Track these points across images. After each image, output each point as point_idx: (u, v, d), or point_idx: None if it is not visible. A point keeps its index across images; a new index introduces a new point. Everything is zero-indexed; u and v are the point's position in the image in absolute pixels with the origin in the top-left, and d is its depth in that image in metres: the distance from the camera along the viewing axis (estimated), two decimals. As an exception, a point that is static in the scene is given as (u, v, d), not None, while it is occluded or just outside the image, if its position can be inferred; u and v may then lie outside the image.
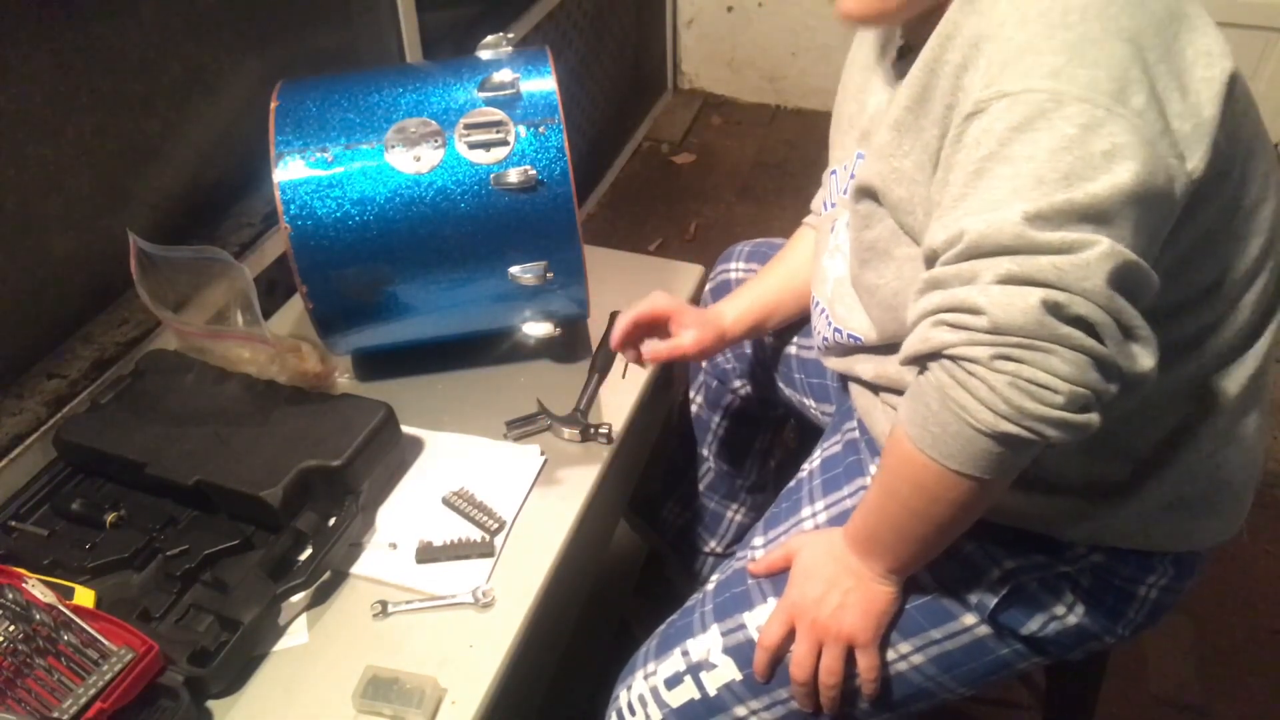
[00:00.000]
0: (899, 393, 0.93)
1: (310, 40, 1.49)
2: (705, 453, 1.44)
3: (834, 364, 1.05)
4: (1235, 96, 0.72)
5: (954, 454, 0.71)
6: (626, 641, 1.54)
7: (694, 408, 1.43)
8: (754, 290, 1.19)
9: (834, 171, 1.06)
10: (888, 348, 0.93)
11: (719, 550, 1.49)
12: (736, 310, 1.17)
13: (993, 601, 0.89)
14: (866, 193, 0.88)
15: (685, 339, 1.11)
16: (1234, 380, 0.83)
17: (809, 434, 1.29)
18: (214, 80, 1.31)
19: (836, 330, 1.00)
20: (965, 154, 0.70)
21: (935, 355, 0.70)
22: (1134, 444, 0.84)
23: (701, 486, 1.46)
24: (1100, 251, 0.64)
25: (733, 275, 1.33)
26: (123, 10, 1.15)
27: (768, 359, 1.30)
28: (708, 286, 1.37)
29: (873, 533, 0.87)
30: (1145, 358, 0.67)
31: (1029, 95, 0.66)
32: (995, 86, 0.68)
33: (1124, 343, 0.66)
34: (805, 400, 1.27)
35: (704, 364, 1.39)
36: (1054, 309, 0.64)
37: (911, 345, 0.72)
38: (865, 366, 0.98)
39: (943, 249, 0.70)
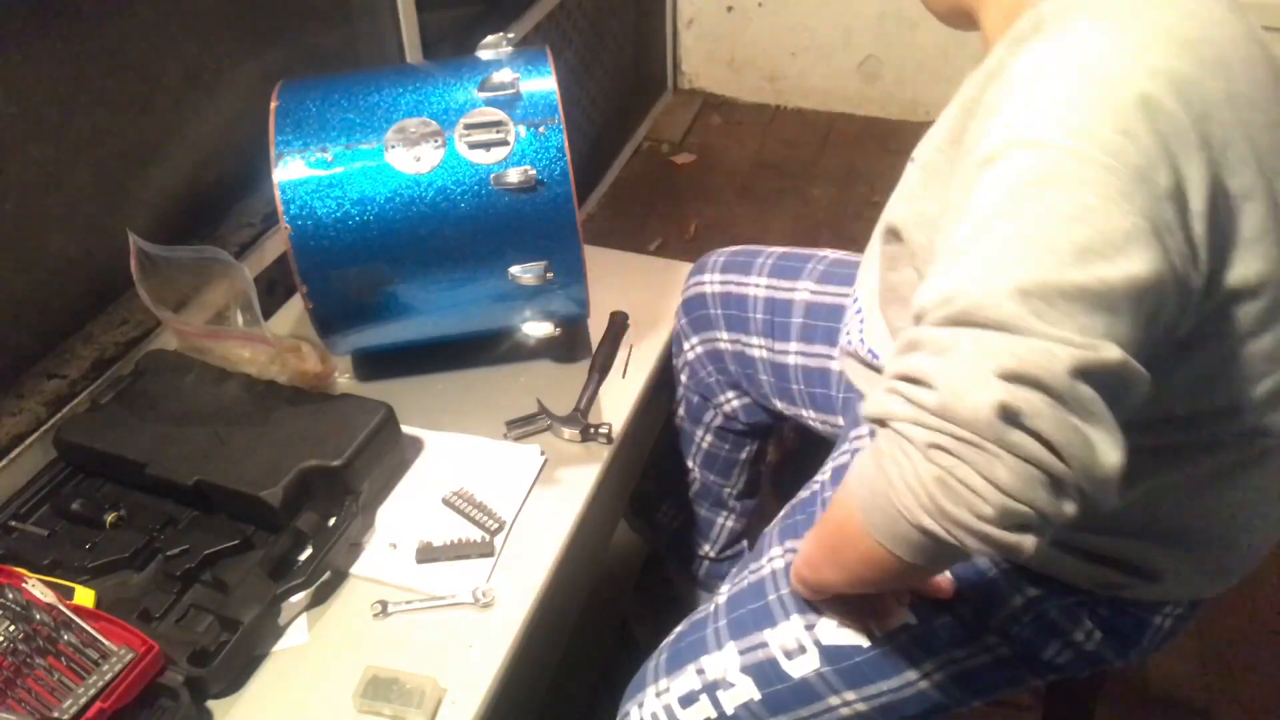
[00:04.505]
0: None
1: (310, 40, 1.49)
2: (691, 464, 1.43)
3: (851, 371, 1.03)
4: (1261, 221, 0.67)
5: (878, 525, 0.66)
6: (626, 641, 1.54)
7: (676, 419, 1.41)
8: None
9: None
10: None
11: (712, 555, 1.48)
12: None
13: (1015, 627, 0.88)
14: (893, 234, 0.83)
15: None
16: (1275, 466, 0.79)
17: (810, 434, 1.28)
18: (214, 80, 1.31)
19: (862, 340, 0.98)
20: (974, 206, 0.64)
21: (884, 422, 0.64)
22: (1184, 525, 0.82)
23: (690, 494, 1.45)
24: (1097, 355, 0.57)
25: (708, 289, 1.28)
26: (123, 10, 1.15)
27: (756, 373, 1.27)
28: (681, 300, 1.32)
29: (816, 564, 0.85)
30: (1107, 450, 0.59)
31: (1051, 150, 0.61)
32: (1017, 133, 0.63)
33: (1089, 456, 0.58)
34: (804, 411, 1.25)
35: (684, 378, 1.35)
36: (1010, 415, 0.56)
37: (870, 404, 0.67)
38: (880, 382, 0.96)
39: (931, 309, 0.63)
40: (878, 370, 0.96)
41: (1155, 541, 0.82)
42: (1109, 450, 0.59)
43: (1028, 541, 0.59)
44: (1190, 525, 0.82)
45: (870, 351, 0.96)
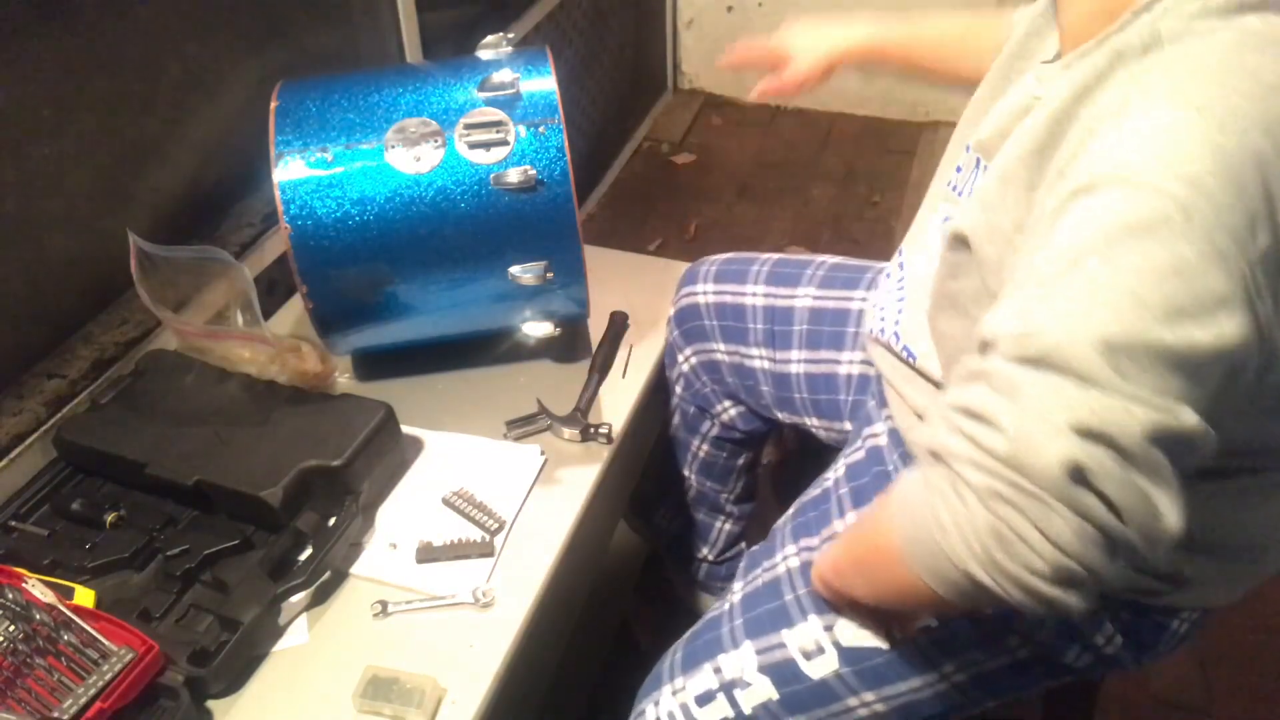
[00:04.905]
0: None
1: (310, 40, 1.49)
2: (687, 472, 1.42)
3: (881, 360, 1.01)
4: None
5: (921, 560, 0.65)
6: (626, 641, 1.54)
7: (672, 429, 1.39)
8: (912, 28, 1.15)
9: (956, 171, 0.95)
10: (939, 384, 0.89)
11: (711, 558, 1.48)
12: (873, 29, 1.15)
13: (1039, 631, 0.88)
14: (961, 241, 0.78)
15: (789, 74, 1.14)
16: None
17: (810, 436, 1.28)
18: (214, 80, 1.31)
19: (896, 335, 0.97)
20: (1063, 235, 0.61)
21: (940, 457, 0.63)
22: (1220, 537, 0.81)
23: (688, 499, 1.45)
24: (1175, 421, 0.56)
25: (701, 299, 1.26)
26: (123, 10, 1.15)
27: (757, 384, 1.25)
28: (672, 311, 1.30)
29: (843, 573, 0.84)
30: (1169, 513, 0.58)
31: (1156, 195, 0.57)
32: (1119, 168, 0.60)
33: (1151, 520, 0.57)
34: (807, 420, 1.23)
35: (679, 390, 1.34)
36: (1079, 473, 0.55)
37: (926, 434, 0.65)
38: (909, 388, 0.94)
39: (1004, 341, 0.61)
40: (913, 368, 0.94)
41: (1189, 551, 0.80)
42: (1171, 514, 0.58)
43: (1073, 599, 0.59)
44: (1226, 537, 0.81)
45: (906, 350, 0.93)
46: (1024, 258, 0.66)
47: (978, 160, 0.87)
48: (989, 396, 0.60)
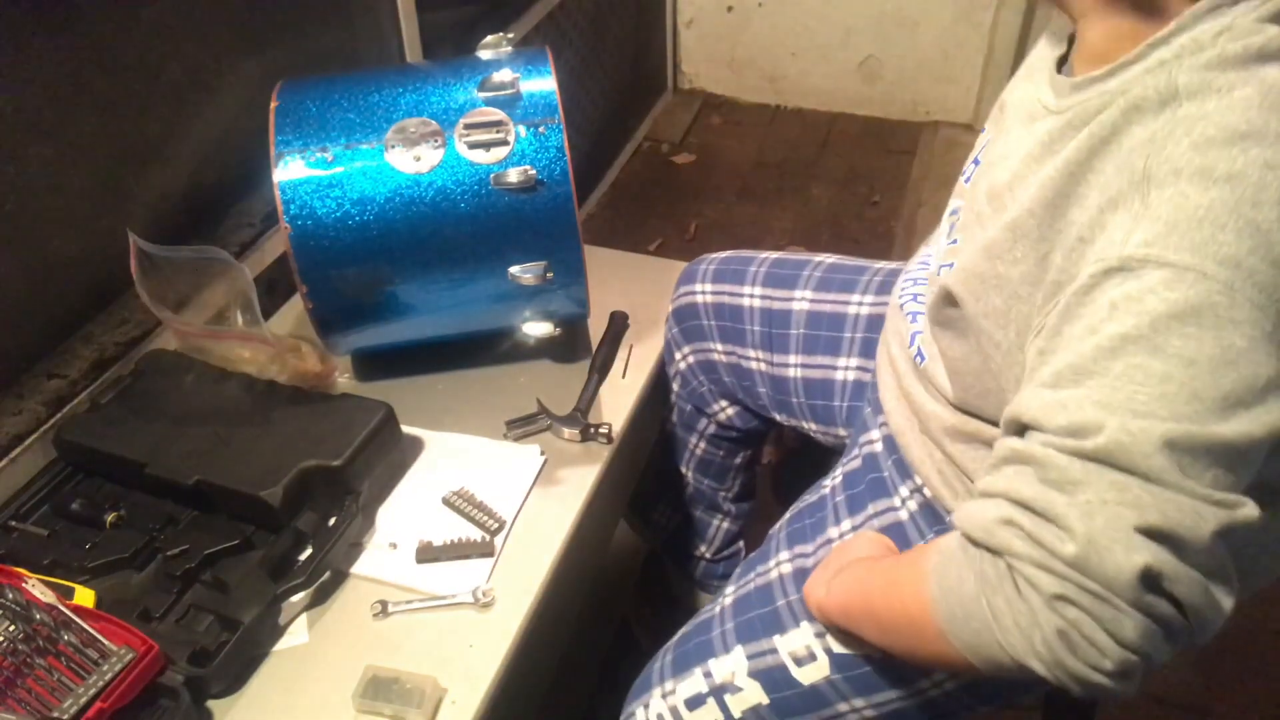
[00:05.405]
0: (934, 439, 0.90)
1: (310, 40, 1.49)
2: (685, 470, 1.42)
3: (892, 339, 0.99)
4: None
5: (965, 643, 0.64)
6: (626, 641, 1.54)
7: (669, 426, 1.39)
8: None
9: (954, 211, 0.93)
10: (947, 399, 0.88)
11: (709, 556, 1.48)
12: None
13: None
14: (948, 301, 0.78)
15: None
16: None
17: (810, 437, 1.28)
18: (214, 80, 1.31)
19: (913, 334, 0.95)
20: (1097, 315, 0.60)
21: (995, 551, 0.62)
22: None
23: (685, 497, 1.45)
24: (1241, 516, 0.56)
25: (699, 299, 1.25)
26: (123, 10, 1.15)
27: (754, 385, 1.25)
28: (671, 308, 1.30)
29: (853, 616, 0.84)
30: (1226, 603, 0.58)
31: (1199, 279, 0.56)
32: (1156, 249, 0.58)
33: (1211, 613, 0.58)
34: (804, 424, 1.23)
35: (676, 387, 1.33)
36: (1153, 580, 0.55)
37: (973, 521, 0.63)
38: (918, 387, 0.93)
39: (1057, 430, 0.59)
40: (922, 374, 0.93)
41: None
42: (1226, 601, 0.59)
43: (1129, 686, 0.59)
44: (1243, 549, 0.81)
45: (919, 352, 0.92)
46: (1047, 335, 0.65)
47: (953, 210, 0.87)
48: (1045, 491, 0.59)
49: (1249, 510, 0.57)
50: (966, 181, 0.92)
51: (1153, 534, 0.56)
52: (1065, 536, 0.57)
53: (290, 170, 1.04)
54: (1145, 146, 0.62)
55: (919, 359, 0.93)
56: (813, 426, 1.23)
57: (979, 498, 0.66)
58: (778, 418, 1.27)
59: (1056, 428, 0.60)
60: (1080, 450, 0.58)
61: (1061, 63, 0.82)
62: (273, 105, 1.08)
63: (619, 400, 1.19)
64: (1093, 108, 0.69)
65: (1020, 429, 0.64)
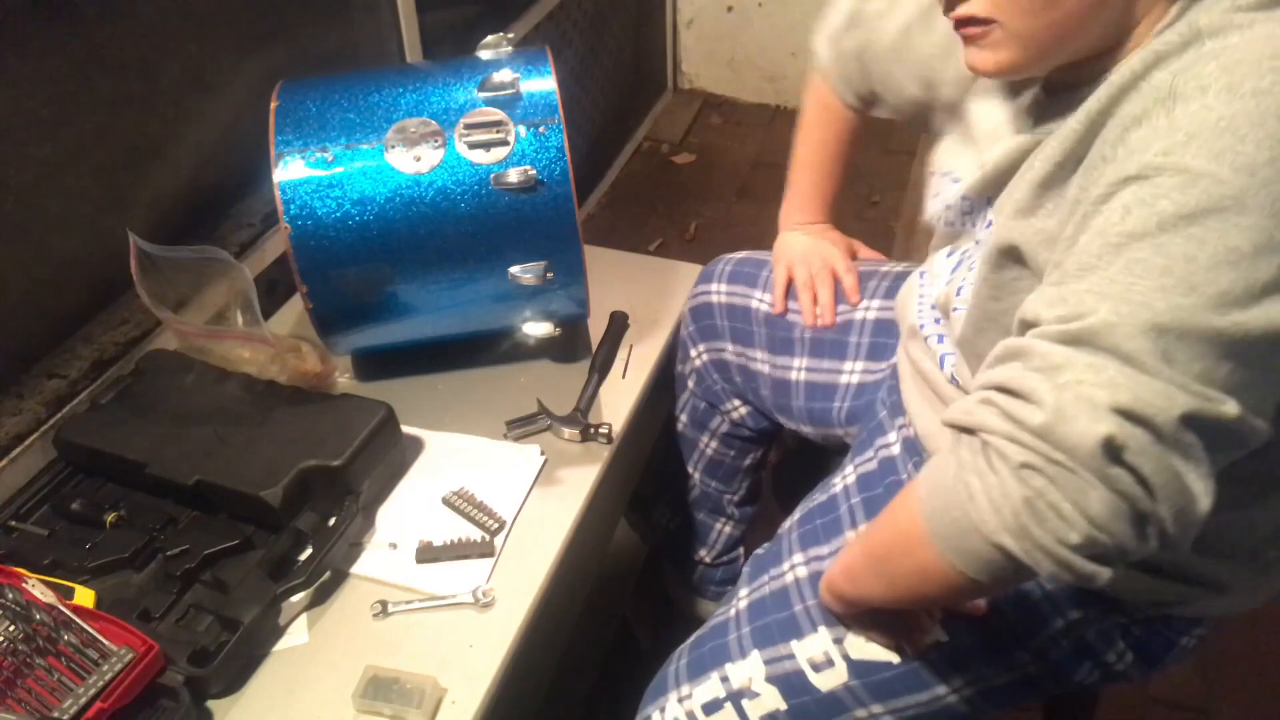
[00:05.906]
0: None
1: (310, 40, 1.49)
2: (692, 470, 1.42)
3: (916, 354, 0.99)
4: None
5: (947, 537, 0.65)
6: (626, 641, 1.54)
7: (679, 425, 1.39)
8: (821, 185, 1.36)
9: (949, 180, 0.94)
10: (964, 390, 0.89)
11: (708, 560, 1.47)
12: (824, 208, 1.30)
13: (1053, 650, 0.88)
14: (1010, 255, 0.77)
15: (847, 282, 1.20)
16: None
17: (809, 439, 1.28)
18: (214, 80, 1.31)
19: (941, 336, 0.95)
20: (1109, 219, 0.61)
21: (972, 431, 0.63)
22: (1255, 542, 0.81)
23: (689, 499, 1.44)
24: (1214, 409, 0.56)
25: (714, 299, 1.27)
26: (123, 10, 1.15)
27: (759, 387, 1.26)
28: (688, 306, 1.32)
29: (855, 572, 0.84)
30: (1198, 490, 0.58)
31: (1213, 184, 0.57)
32: (1174, 156, 0.59)
33: (1181, 500, 0.58)
34: (801, 426, 1.24)
35: (690, 384, 1.34)
36: (1114, 449, 0.56)
37: (956, 410, 0.65)
38: (939, 376, 0.93)
39: (1047, 319, 0.61)
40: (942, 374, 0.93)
41: (1234, 560, 0.81)
42: (1200, 496, 0.59)
43: (1104, 572, 0.60)
44: (1260, 542, 0.81)
45: (953, 379, 0.92)
46: (1064, 244, 0.66)
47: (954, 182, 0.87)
48: (1027, 374, 0.60)
49: (1228, 407, 0.57)
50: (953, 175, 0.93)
51: (1122, 412, 0.56)
52: (1035, 410, 0.58)
53: (290, 170, 1.04)
54: (1172, 76, 0.63)
55: (953, 382, 0.92)
56: (809, 430, 1.23)
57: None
58: (779, 419, 1.27)
59: (1050, 317, 0.61)
60: (1068, 334, 0.59)
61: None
62: (273, 105, 1.08)
63: (619, 400, 1.19)
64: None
65: (1024, 329, 0.65)
